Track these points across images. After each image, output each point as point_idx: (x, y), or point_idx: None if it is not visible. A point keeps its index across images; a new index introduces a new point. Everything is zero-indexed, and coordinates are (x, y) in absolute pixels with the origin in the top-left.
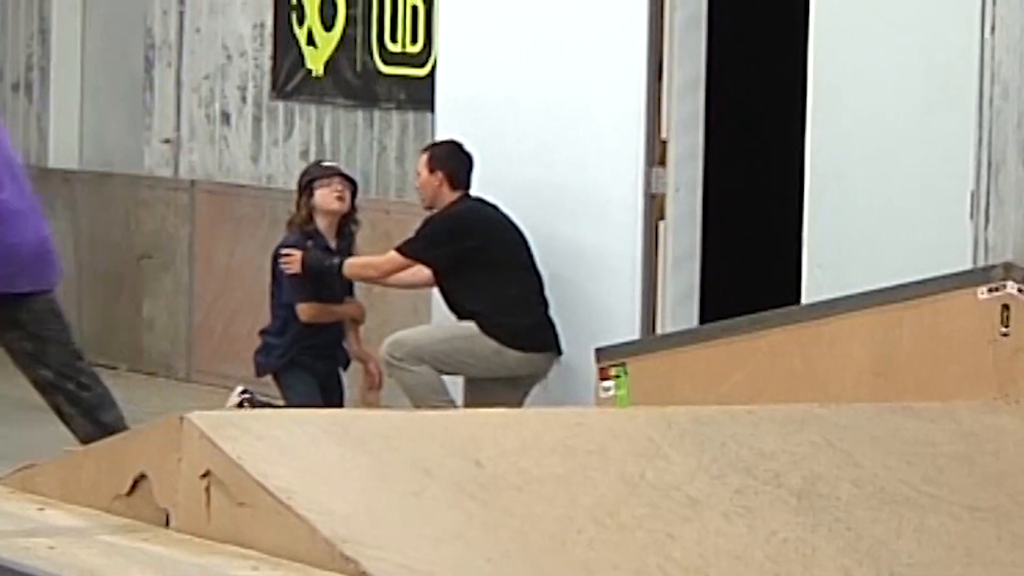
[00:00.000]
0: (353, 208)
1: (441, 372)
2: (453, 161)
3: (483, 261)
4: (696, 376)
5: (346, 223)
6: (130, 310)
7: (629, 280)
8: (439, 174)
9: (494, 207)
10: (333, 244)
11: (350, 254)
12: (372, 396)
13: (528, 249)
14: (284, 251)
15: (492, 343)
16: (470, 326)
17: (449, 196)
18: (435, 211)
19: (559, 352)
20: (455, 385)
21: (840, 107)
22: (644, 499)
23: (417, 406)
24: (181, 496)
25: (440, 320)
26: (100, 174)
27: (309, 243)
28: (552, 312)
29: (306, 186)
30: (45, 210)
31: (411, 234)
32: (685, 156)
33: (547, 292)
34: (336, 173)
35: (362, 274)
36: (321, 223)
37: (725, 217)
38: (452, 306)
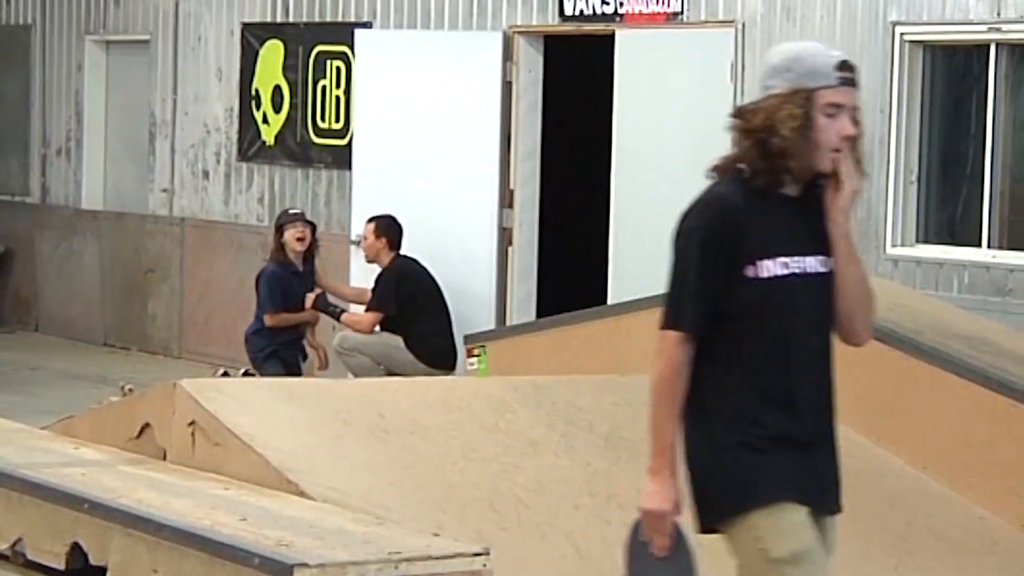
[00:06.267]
0: (314, 241)
1: (373, 353)
2: (392, 231)
3: (414, 303)
4: (534, 355)
5: (310, 252)
6: (139, 308)
7: (487, 287)
8: (383, 240)
9: (418, 262)
10: (300, 268)
11: (313, 273)
12: (319, 372)
13: (441, 293)
14: (270, 282)
15: (411, 356)
16: (399, 340)
17: (387, 255)
18: (374, 264)
19: (454, 368)
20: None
21: (635, 168)
22: (498, 441)
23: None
24: (174, 439)
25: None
26: (118, 213)
27: (283, 269)
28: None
29: (278, 229)
30: (79, 239)
31: (371, 293)
32: (527, 201)
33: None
34: (299, 219)
35: (354, 327)
36: (290, 254)
37: (554, 244)
38: (386, 330)
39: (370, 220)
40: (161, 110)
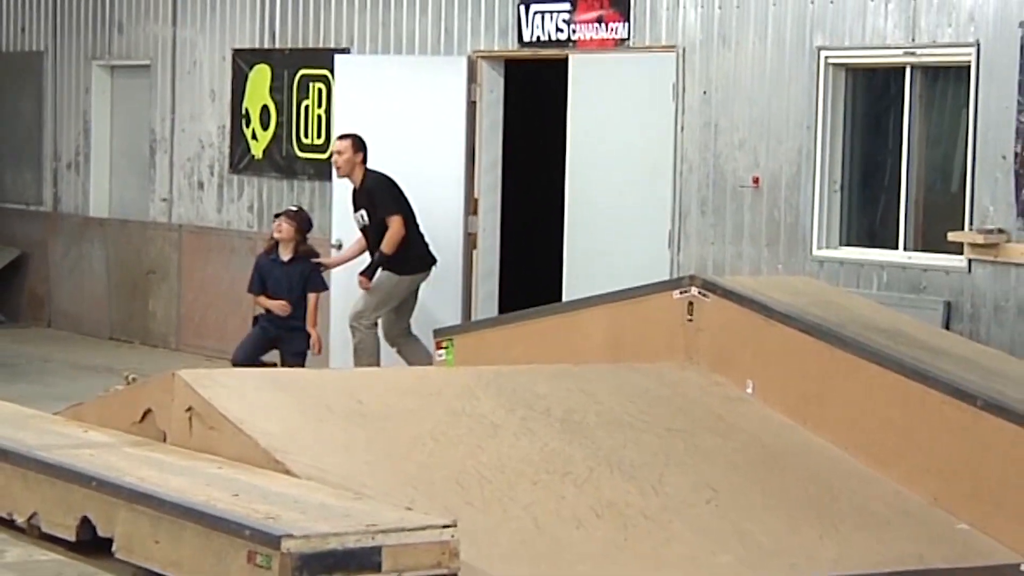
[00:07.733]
0: (303, 236)
1: (384, 308)
2: (365, 146)
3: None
4: (496, 347)
5: (299, 245)
6: (141, 305)
7: (455, 286)
8: (360, 154)
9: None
10: (286, 258)
11: (303, 261)
12: (318, 355)
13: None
14: (254, 267)
15: (406, 279)
16: (390, 275)
17: (360, 168)
18: (346, 179)
19: (435, 262)
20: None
21: (587, 178)
22: (463, 424)
23: (357, 361)
24: (173, 423)
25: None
26: (122, 220)
27: (265, 257)
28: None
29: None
30: (87, 244)
31: (378, 204)
32: (489, 208)
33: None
34: (283, 214)
35: (394, 245)
36: (280, 246)
37: (514, 247)
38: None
39: (343, 137)
40: (160, 127)
